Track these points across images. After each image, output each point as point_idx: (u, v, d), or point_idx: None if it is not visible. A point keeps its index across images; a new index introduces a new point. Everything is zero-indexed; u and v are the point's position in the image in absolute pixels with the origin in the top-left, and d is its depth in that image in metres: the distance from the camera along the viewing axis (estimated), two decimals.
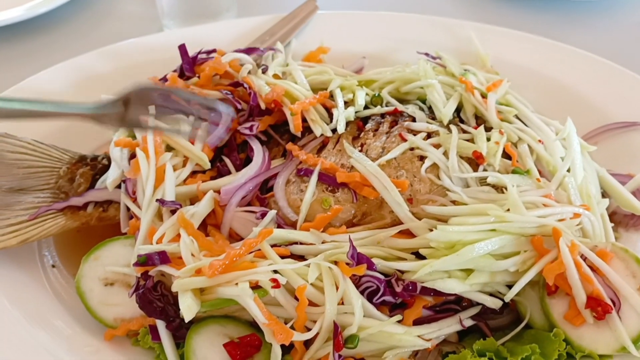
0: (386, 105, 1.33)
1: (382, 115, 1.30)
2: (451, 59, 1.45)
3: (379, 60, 1.59)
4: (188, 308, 0.96)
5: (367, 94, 1.34)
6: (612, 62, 1.51)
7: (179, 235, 1.09)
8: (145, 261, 1.05)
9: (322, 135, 1.25)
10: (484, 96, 1.29)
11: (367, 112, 1.30)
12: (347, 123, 1.27)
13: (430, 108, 1.32)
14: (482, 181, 1.14)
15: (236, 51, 1.44)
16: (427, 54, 1.50)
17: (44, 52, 1.93)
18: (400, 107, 1.30)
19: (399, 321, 1.01)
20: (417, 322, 1.04)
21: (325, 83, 1.37)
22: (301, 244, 1.08)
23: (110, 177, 1.25)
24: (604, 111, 1.43)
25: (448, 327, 1.05)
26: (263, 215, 1.13)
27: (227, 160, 1.25)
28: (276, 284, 0.98)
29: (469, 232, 1.00)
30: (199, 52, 1.43)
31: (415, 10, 1.89)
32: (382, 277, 1.03)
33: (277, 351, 0.98)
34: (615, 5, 2.01)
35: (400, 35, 1.66)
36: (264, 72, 1.38)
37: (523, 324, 1.06)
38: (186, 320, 0.97)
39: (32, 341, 1.09)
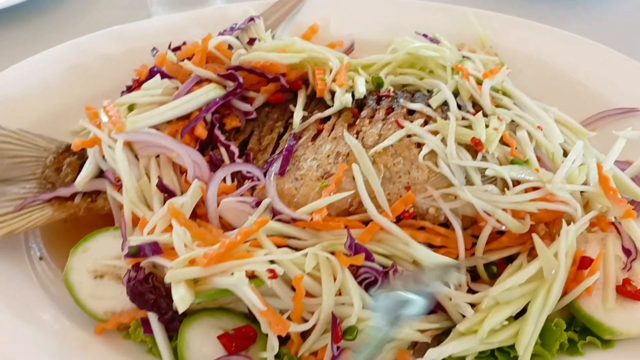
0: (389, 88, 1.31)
1: (378, 102, 1.27)
2: (448, 44, 1.42)
3: (374, 46, 1.55)
4: (182, 299, 0.93)
5: (366, 81, 1.32)
6: (610, 48, 1.49)
7: (170, 227, 1.06)
8: (136, 252, 1.02)
9: (316, 120, 1.23)
10: (479, 83, 1.27)
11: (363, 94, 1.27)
12: (342, 110, 1.25)
13: (429, 91, 1.30)
14: (483, 170, 1.12)
15: (221, 33, 1.43)
16: (425, 35, 1.47)
17: (30, 40, 1.87)
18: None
19: None
20: None
21: (320, 62, 1.34)
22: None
23: (82, 174, 1.21)
24: (602, 97, 1.41)
25: (447, 319, 1.03)
26: (258, 204, 1.10)
27: (222, 149, 1.21)
28: (273, 274, 0.95)
29: None
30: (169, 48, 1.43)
31: None
32: (380, 268, 1.01)
33: (273, 342, 0.96)
34: None
35: (396, 20, 1.62)
36: (250, 43, 1.38)
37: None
38: (180, 312, 0.94)
39: (19, 336, 1.05)
